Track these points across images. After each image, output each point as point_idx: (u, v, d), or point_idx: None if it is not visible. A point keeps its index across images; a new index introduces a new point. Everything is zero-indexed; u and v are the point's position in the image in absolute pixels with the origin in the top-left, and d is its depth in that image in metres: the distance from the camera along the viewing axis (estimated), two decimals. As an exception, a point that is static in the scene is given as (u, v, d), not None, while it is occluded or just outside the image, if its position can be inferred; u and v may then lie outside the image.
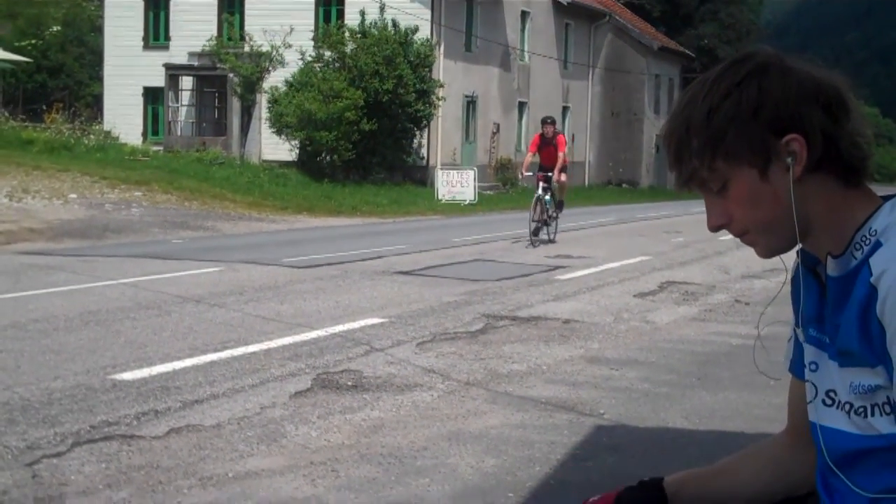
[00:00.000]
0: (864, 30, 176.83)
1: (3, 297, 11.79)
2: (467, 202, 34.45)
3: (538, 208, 19.77)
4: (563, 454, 6.53)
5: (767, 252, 1.83)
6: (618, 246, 20.26)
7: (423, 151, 39.37)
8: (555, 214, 20.51)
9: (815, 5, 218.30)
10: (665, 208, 37.51)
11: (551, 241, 20.13)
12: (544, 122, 20.60)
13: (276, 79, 36.81)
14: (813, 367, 1.85)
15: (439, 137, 39.78)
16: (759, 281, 15.02)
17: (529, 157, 20.84)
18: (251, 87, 37.97)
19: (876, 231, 1.71)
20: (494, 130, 44.32)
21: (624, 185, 54.13)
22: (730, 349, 9.91)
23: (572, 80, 52.07)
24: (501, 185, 42.30)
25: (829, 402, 1.79)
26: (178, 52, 40.75)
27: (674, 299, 13.00)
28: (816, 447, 1.81)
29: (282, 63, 37.12)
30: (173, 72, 40.19)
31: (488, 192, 38.75)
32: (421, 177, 38.53)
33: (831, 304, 1.78)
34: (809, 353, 1.86)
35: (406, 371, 8.62)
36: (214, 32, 39.89)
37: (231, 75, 38.26)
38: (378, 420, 7.17)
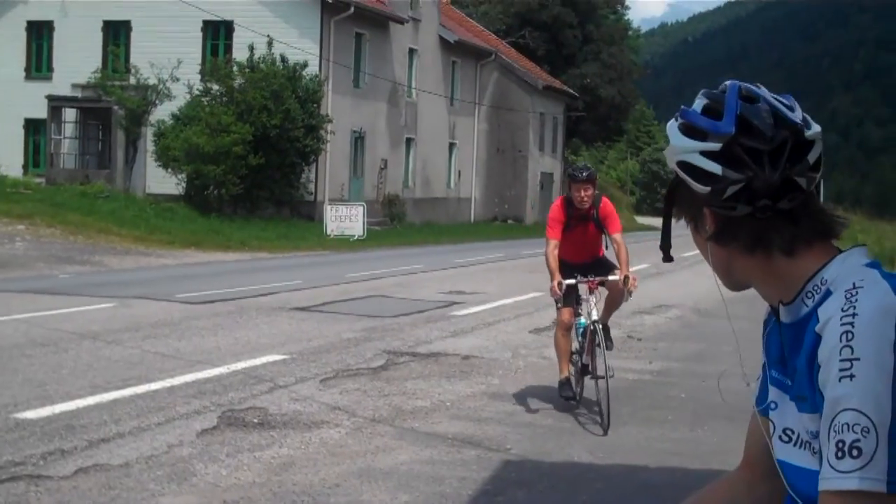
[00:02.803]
0: (738, 72, 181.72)
1: None
2: (356, 237, 34.46)
3: (587, 343, 9.31)
4: (474, 490, 6.62)
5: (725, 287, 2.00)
6: (509, 282, 20.48)
7: (312, 186, 39.26)
8: (606, 347, 9.21)
9: (692, 48, 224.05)
10: (551, 244, 37.92)
11: (601, 377, 8.93)
12: (575, 177, 9.17)
13: (162, 112, 36.41)
14: (773, 405, 1.97)
15: (327, 172, 39.72)
16: (650, 317, 15.36)
17: (554, 250, 9.11)
18: (137, 119, 37.49)
19: (826, 280, 1.84)
20: (382, 166, 44.43)
21: (509, 221, 54.67)
22: (627, 384, 10.12)
23: (459, 116, 52.51)
24: (389, 220, 42.39)
25: (785, 438, 1.91)
26: (62, 83, 40.02)
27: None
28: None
29: (168, 96, 36.74)
30: (56, 103, 39.40)
31: (376, 227, 38.80)
32: (309, 212, 38.40)
33: (787, 349, 1.91)
34: (772, 393, 1.98)
35: (311, 408, 8.63)
36: (99, 64, 39.29)
37: (116, 108, 37.71)
38: (287, 458, 7.17)
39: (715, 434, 8.21)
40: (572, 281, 8.94)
